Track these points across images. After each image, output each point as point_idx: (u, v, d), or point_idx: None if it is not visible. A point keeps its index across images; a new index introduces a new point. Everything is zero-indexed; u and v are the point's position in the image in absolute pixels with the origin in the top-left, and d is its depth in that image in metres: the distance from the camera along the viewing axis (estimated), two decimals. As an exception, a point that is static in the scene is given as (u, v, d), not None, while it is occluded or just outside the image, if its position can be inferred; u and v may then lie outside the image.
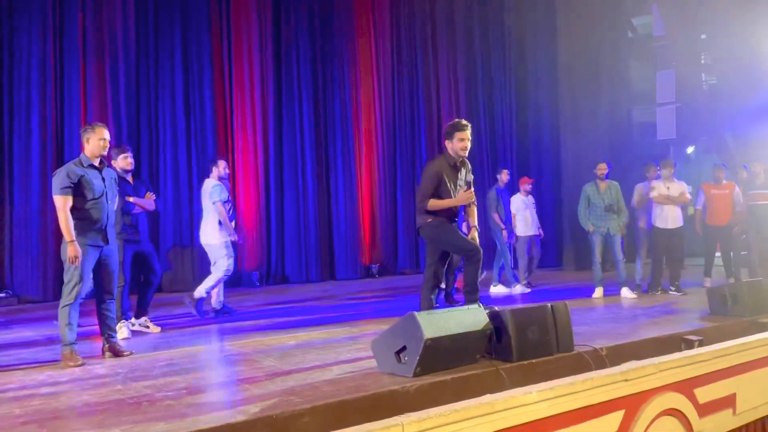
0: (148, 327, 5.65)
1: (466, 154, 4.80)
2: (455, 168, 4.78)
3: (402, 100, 12.12)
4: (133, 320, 5.62)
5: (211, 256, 6.45)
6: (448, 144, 4.76)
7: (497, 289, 8.13)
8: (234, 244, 6.48)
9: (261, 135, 10.67)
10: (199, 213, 9.82)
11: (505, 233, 8.02)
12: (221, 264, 6.30)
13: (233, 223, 6.62)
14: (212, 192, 6.36)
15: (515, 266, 8.41)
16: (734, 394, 4.17)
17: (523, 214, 8.25)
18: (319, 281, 10.62)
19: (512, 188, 8.65)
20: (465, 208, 4.93)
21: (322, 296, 8.36)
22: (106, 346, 4.50)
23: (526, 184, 8.38)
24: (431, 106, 12.35)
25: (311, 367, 3.86)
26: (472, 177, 5.00)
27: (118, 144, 5.71)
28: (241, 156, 10.52)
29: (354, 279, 10.99)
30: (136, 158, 9.38)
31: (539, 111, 13.02)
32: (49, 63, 8.83)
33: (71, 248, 4.26)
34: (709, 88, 13.05)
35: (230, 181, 10.41)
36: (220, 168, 6.58)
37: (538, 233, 8.47)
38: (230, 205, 6.60)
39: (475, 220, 4.93)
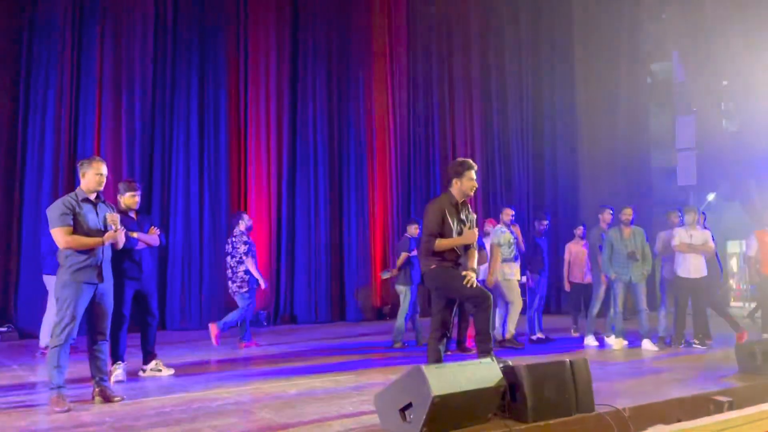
0: (160, 371, 5.42)
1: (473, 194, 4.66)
2: (456, 208, 4.61)
3: (418, 140, 12.04)
4: (143, 368, 5.41)
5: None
6: (455, 182, 4.60)
7: (610, 341, 7.18)
8: None
9: (275, 167, 10.60)
10: (209, 245, 9.78)
11: (603, 278, 7.28)
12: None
13: None
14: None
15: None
16: (770, 465, 3.81)
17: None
18: (329, 322, 10.36)
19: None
20: (465, 250, 4.67)
21: (331, 338, 8.08)
22: (97, 390, 4.26)
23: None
24: (446, 146, 12.25)
25: (309, 422, 3.59)
26: (474, 216, 4.80)
27: (129, 179, 5.53)
28: (254, 191, 10.42)
29: (365, 321, 10.71)
30: (148, 189, 9.38)
31: (555, 150, 12.84)
32: (65, 93, 8.88)
33: (109, 235, 4.25)
34: (730, 135, 12.82)
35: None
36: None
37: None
38: None
39: (473, 262, 4.65)
